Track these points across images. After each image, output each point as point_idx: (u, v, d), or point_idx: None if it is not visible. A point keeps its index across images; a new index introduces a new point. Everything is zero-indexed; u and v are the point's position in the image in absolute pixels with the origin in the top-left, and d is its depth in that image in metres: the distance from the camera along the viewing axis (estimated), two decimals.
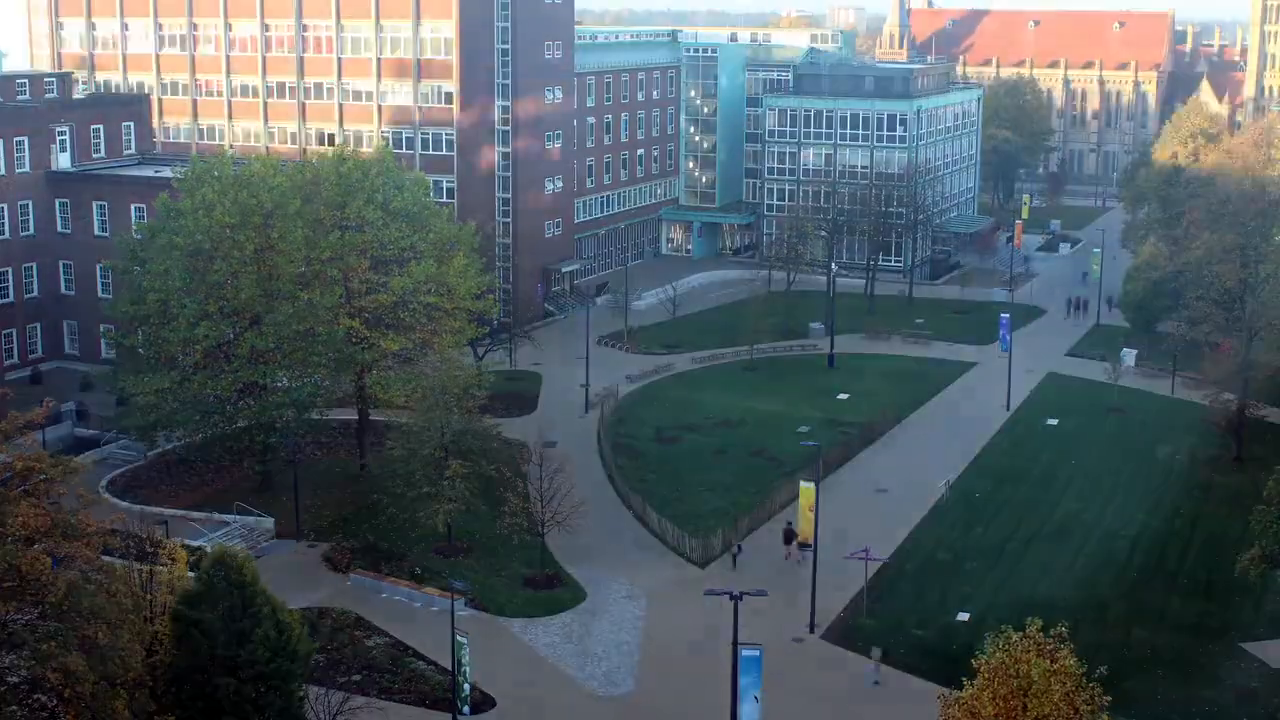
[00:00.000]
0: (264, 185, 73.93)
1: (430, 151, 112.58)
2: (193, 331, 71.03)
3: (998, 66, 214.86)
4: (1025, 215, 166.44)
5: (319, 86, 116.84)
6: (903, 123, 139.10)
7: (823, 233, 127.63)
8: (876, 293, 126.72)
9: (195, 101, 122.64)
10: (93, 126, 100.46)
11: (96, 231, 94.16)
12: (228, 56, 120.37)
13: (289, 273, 73.02)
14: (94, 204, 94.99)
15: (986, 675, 38.62)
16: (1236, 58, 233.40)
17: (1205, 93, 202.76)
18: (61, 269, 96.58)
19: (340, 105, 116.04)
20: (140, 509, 65.19)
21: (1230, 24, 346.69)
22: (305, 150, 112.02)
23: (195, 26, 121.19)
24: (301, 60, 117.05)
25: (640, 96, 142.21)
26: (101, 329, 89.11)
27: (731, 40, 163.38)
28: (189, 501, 72.46)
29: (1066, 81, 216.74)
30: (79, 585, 39.79)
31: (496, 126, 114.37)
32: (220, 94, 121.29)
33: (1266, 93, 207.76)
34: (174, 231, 72.53)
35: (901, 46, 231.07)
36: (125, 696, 40.64)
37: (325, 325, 74.65)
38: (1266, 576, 59.89)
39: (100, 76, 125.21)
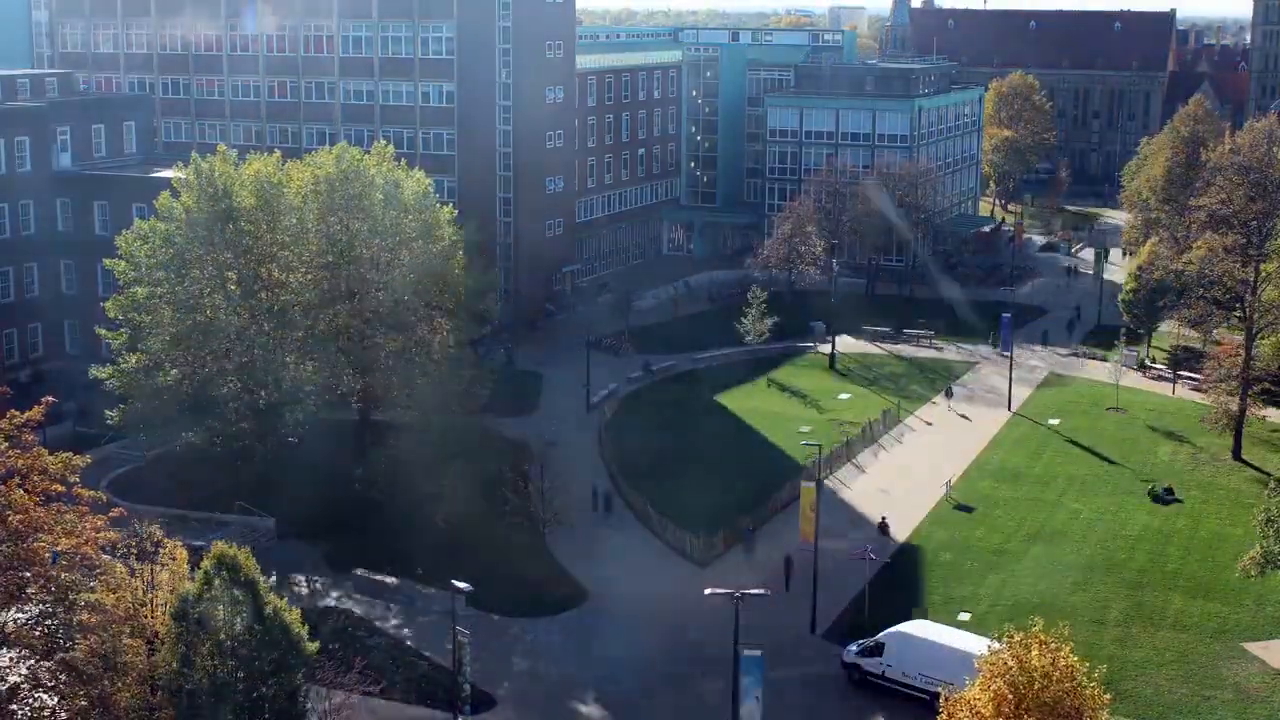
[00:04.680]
0: (263, 185, 74.03)
1: (430, 151, 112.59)
2: (188, 331, 71.29)
3: (998, 66, 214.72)
4: (1026, 215, 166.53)
5: (319, 86, 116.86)
6: (904, 123, 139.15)
7: (825, 232, 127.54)
8: (877, 293, 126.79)
9: (195, 101, 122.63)
10: (93, 126, 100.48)
11: (97, 231, 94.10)
12: (228, 56, 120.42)
13: (282, 276, 73.17)
14: (94, 204, 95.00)
15: (988, 674, 38.67)
16: (1238, 57, 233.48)
17: (1207, 92, 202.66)
18: (62, 269, 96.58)
19: (340, 105, 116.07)
20: (141, 509, 65.23)
21: (1232, 24, 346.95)
22: (305, 150, 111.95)
23: (195, 26, 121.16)
24: (301, 60, 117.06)
25: (641, 96, 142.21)
26: (99, 329, 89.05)
27: (733, 40, 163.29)
28: (189, 501, 72.45)
29: (1067, 81, 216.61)
30: (79, 582, 39.80)
31: (497, 126, 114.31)
32: (221, 94, 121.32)
33: (1268, 92, 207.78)
34: (171, 234, 72.71)
35: (902, 46, 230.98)
36: (126, 695, 40.69)
37: (325, 325, 74.73)
38: (1266, 576, 59.90)
39: (100, 76, 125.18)
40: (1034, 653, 37.97)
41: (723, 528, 70.91)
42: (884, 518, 72.91)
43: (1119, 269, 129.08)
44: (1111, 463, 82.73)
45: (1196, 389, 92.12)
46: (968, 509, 75.66)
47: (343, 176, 77.55)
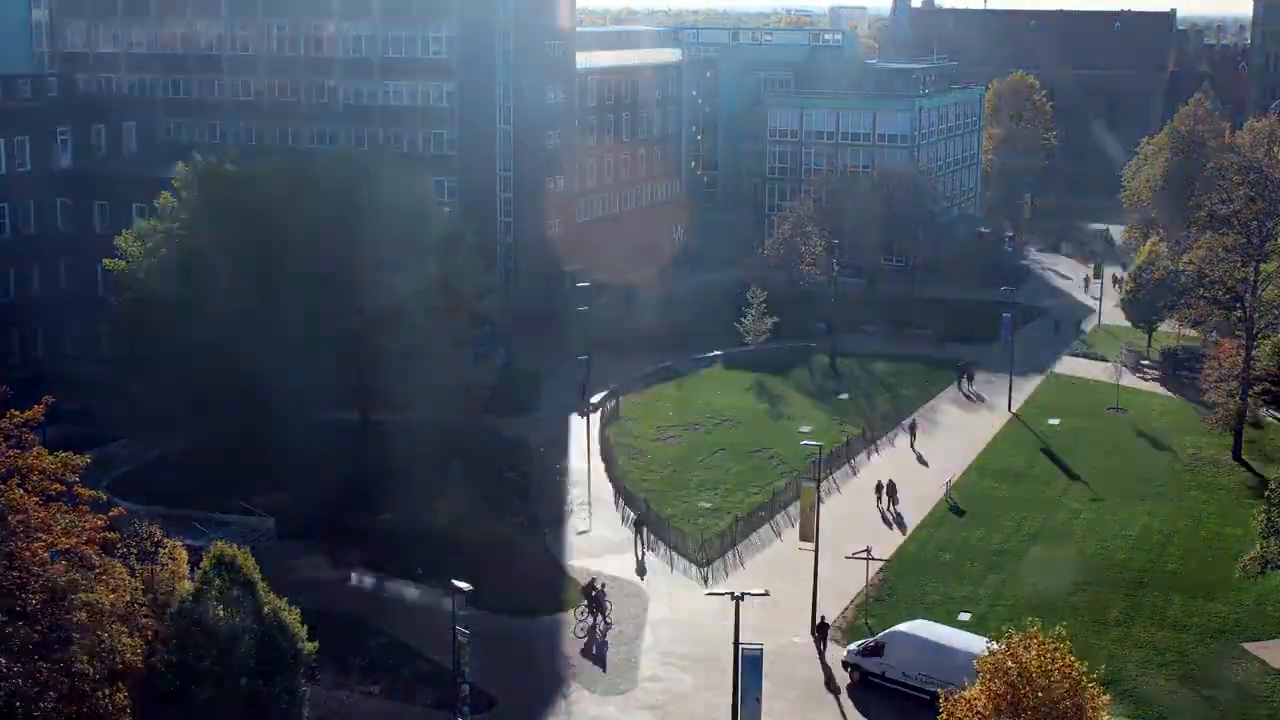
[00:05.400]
0: (263, 185, 74.16)
1: (430, 151, 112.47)
2: (188, 331, 71.31)
3: (998, 66, 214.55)
4: (1027, 215, 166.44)
5: (320, 86, 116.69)
6: (904, 123, 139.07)
7: (825, 232, 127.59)
8: (878, 293, 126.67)
9: (195, 101, 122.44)
10: (93, 126, 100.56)
11: (97, 231, 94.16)
12: (228, 56, 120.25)
13: (285, 273, 73.19)
14: (94, 204, 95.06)
15: (987, 674, 38.70)
16: (1238, 57, 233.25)
17: (1207, 92, 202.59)
18: (62, 269, 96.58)
19: (341, 105, 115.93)
20: (141, 509, 65.20)
21: (1232, 24, 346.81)
22: (305, 150, 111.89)
23: (196, 26, 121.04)
24: (302, 60, 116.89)
25: (642, 96, 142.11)
26: (99, 329, 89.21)
27: (733, 40, 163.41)
28: (189, 501, 72.41)
29: (1067, 82, 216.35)
30: (78, 583, 39.76)
31: (497, 126, 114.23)
32: (221, 94, 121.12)
33: (1268, 92, 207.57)
34: (171, 233, 72.80)
35: (902, 46, 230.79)
36: (126, 695, 40.64)
37: (325, 325, 74.75)
38: (1266, 576, 59.88)
39: (100, 76, 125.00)
40: (1032, 653, 38.01)
41: (724, 528, 70.91)
42: (822, 617, 60.20)
43: (1120, 261, 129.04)
44: (1111, 462, 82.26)
45: (1188, 389, 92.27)
46: (965, 510, 75.60)
47: (343, 177, 77.68)
